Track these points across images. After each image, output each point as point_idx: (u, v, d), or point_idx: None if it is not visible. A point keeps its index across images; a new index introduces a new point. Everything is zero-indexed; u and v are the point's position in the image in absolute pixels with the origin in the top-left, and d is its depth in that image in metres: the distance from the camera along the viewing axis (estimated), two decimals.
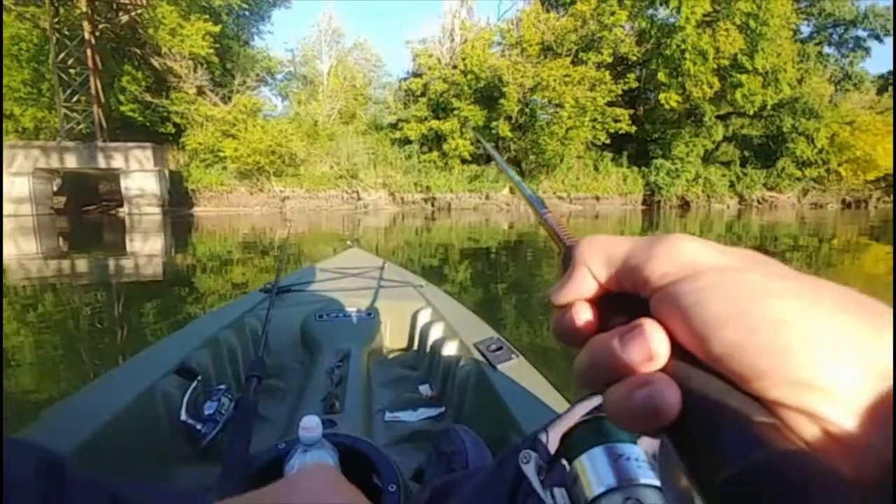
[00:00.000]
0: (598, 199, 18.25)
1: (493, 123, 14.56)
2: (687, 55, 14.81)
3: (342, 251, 2.69)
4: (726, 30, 14.81)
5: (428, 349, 1.48)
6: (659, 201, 19.02)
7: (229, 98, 14.68)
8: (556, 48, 14.95)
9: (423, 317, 1.64)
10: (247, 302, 1.68)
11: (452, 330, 1.42)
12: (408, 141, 16.43)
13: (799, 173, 21.33)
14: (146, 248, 7.98)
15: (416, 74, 16.64)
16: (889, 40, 19.59)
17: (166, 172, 13.26)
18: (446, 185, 15.74)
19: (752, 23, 14.90)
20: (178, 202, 14.14)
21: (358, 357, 1.41)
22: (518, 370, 1.09)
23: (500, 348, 1.19)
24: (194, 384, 1.02)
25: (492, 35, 15.18)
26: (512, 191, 17.81)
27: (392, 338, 1.70)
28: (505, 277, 5.68)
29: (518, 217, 15.80)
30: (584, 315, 0.17)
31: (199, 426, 0.96)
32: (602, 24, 14.36)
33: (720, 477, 0.11)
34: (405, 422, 1.19)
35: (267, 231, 11.48)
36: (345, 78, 18.47)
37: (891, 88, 26.51)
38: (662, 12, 15.08)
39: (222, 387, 1.09)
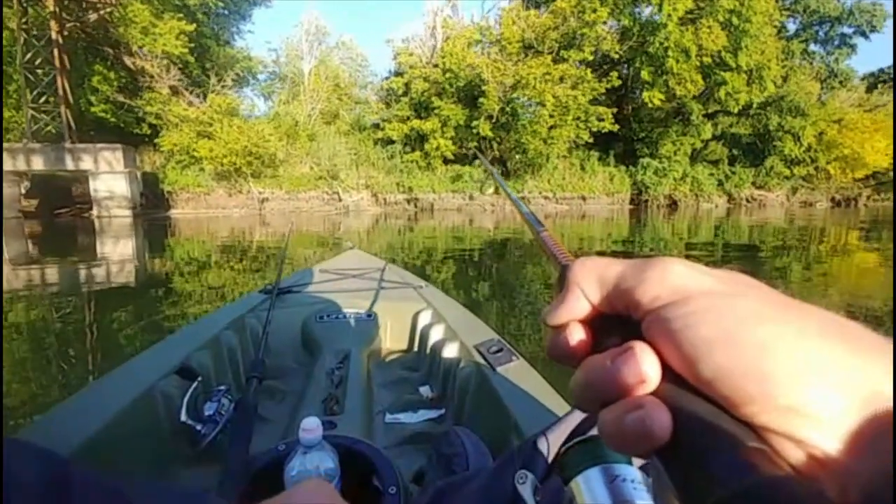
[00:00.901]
0: (584, 198, 18.42)
1: (475, 123, 14.67)
2: (670, 53, 15.00)
3: (342, 252, 2.73)
4: (709, 27, 15.03)
5: (428, 351, 1.51)
6: (646, 200, 19.22)
7: (207, 98, 14.86)
8: (537, 46, 15.12)
9: (424, 318, 1.67)
10: (247, 303, 1.71)
11: (453, 331, 1.45)
12: (390, 141, 16.50)
13: (787, 172, 21.77)
14: (116, 253, 7.90)
15: (398, 73, 16.76)
16: (875, 37, 20.14)
17: (138, 174, 13.22)
18: (429, 185, 15.81)
19: (734, 20, 15.11)
20: (153, 204, 14.17)
21: (358, 358, 1.45)
22: (518, 372, 1.11)
23: (500, 350, 1.22)
24: (194, 385, 1.03)
25: (473, 33, 15.31)
26: (497, 191, 18.09)
27: (392, 339, 1.73)
28: (491, 278, 5.74)
29: (503, 218, 15.97)
30: (577, 336, 0.17)
31: (199, 427, 0.97)
32: (583, 22, 14.52)
33: (711, 501, 0.12)
34: (405, 423, 1.22)
35: (246, 233, 11.58)
36: (327, 78, 18.59)
37: (880, 86, 27.34)
38: (647, 10, 15.30)
39: (222, 387, 1.11)
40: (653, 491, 0.17)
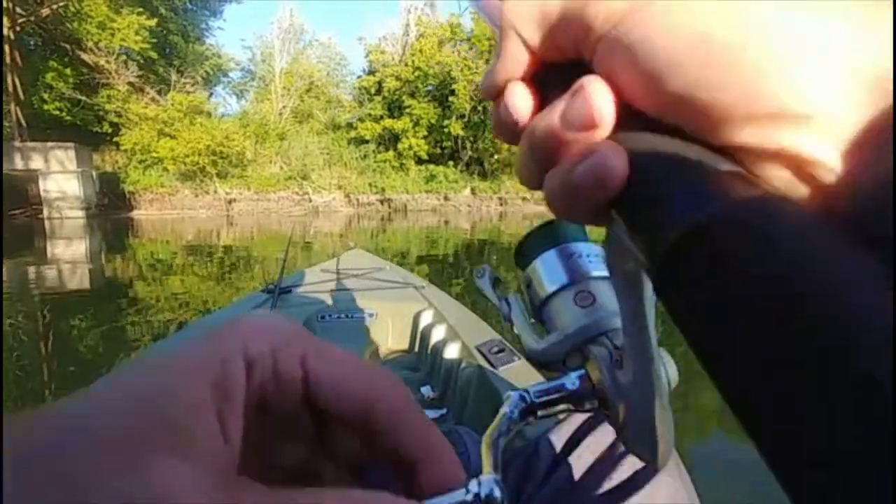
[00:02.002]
0: None
1: (446, 122, 14.79)
2: None
3: (344, 252, 2.76)
4: None
5: (429, 351, 1.54)
6: None
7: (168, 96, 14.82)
8: None
9: (425, 318, 1.70)
10: (247, 303, 1.76)
11: (454, 331, 1.48)
12: (364, 141, 16.50)
13: None
14: (67, 256, 7.68)
15: (371, 72, 16.83)
16: None
17: (94, 174, 12.98)
18: (402, 185, 15.87)
19: None
20: (115, 205, 14.02)
21: (360, 357, 1.64)
22: (521, 372, 1.14)
23: (502, 350, 1.25)
24: None
25: (444, 31, 15.38)
26: (473, 191, 18.47)
27: (394, 339, 1.77)
28: (468, 281, 5.58)
29: (480, 219, 16.30)
30: (519, 99, 0.14)
31: None
32: None
33: (672, 237, 0.10)
34: None
35: (212, 234, 11.57)
36: (300, 76, 18.75)
37: None
38: None
39: None
40: (610, 254, 0.16)
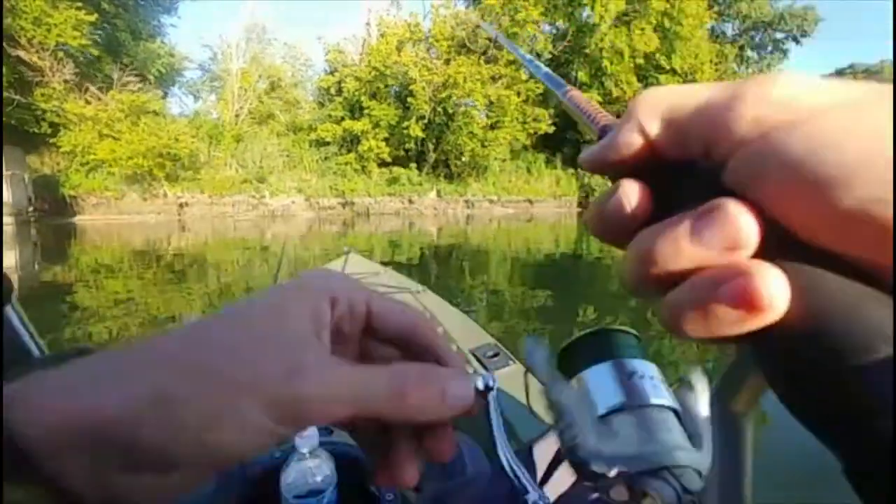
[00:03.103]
0: (531, 202, 18.95)
1: (405, 123, 14.78)
2: (604, 54, 15.73)
3: (339, 257, 2.82)
4: (641, 29, 15.83)
5: None
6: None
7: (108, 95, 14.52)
8: (469, 44, 15.40)
9: None
10: None
11: (449, 336, 1.49)
12: (326, 143, 16.37)
13: None
14: None
15: (331, 72, 16.78)
16: (806, 41, 21.67)
17: (26, 177, 12.73)
18: (364, 188, 15.84)
19: (666, 22, 16.02)
20: (54, 210, 13.68)
21: None
22: (515, 377, 1.15)
23: (496, 354, 1.28)
24: None
25: (404, 31, 15.45)
26: (439, 194, 18.82)
27: None
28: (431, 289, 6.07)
29: (447, 222, 16.57)
30: (634, 194, 0.13)
31: None
32: (514, 21, 14.91)
33: (872, 421, 0.09)
34: None
35: (162, 240, 11.48)
36: (260, 76, 18.67)
37: None
38: (583, 12, 15.86)
39: None
40: (724, 385, 0.14)
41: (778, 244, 0.11)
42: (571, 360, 0.24)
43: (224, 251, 9.85)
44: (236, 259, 8.32)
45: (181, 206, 14.65)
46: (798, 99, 0.11)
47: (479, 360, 1.29)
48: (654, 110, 0.14)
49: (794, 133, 0.11)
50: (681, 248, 0.12)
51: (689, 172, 0.13)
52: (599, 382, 0.22)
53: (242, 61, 18.56)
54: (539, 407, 1.05)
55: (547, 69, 0.27)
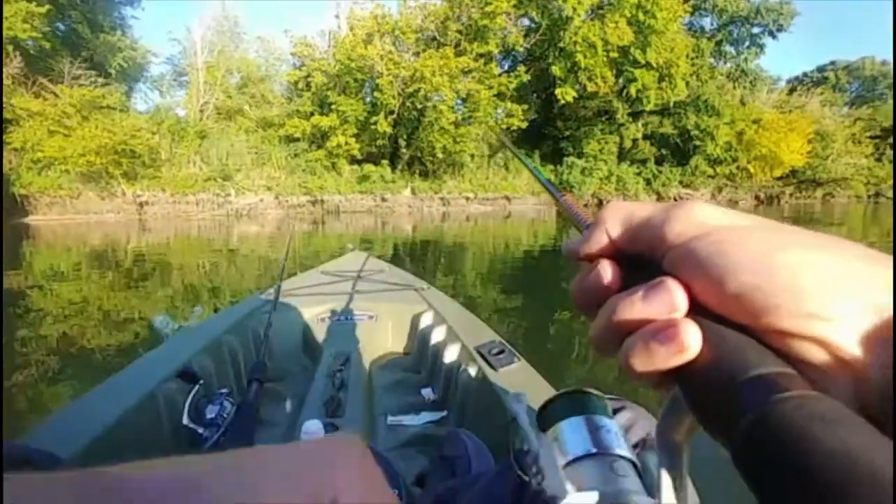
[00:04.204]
0: (508, 199, 19.12)
1: (374, 119, 14.77)
2: (578, 47, 15.91)
3: (344, 254, 2.89)
4: (615, 22, 16.01)
5: (430, 353, 1.60)
6: None
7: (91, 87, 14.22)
8: (439, 37, 15.59)
9: (425, 320, 1.78)
10: (248, 305, 1.83)
11: (454, 333, 1.54)
12: (295, 139, 16.33)
13: (711, 171, 23.23)
14: None
15: (299, 67, 16.83)
16: (783, 36, 22.52)
17: None
18: (334, 186, 15.74)
19: (640, 15, 16.26)
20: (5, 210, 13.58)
21: (360, 360, 1.57)
22: (520, 373, 1.20)
23: (501, 351, 1.30)
24: (196, 388, 1.11)
25: (372, 24, 15.41)
26: (413, 192, 18.92)
27: (394, 341, 1.85)
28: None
29: (422, 219, 16.66)
30: (608, 273, 0.20)
31: (200, 430, 1.05)
32: (484, 13, 15.06)
33: (744, 420, 0.14)
34: (407, 426, 1.29)
35: (121, 241, 11.34)
36: (227, 71, 18.63)
37: (800, 88, 31.39)
38: (557, 4, 15.92)
39: (224, 390, 1.18)
40: (665, 420, 0.19)
41: (697, 309, 0.17)
42: (549, 414, 0.29)
43: (187, 252, 9.75)
44: (200, 260, 8.30)
45: (141, 205, 14.48)
46: (708, 221, 0.18)
47: (483, 357, 1.30)
48: (616, 219, 0.20)
49: (703, 242, 0.17)
50: (636, 308, 0.17)
51: (640, 260, 0.19)
52: (572, 433, 0.27)
53: (210, 55, 18.48)
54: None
55: (547, 178, 0.35)
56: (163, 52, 20.36)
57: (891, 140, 32.02)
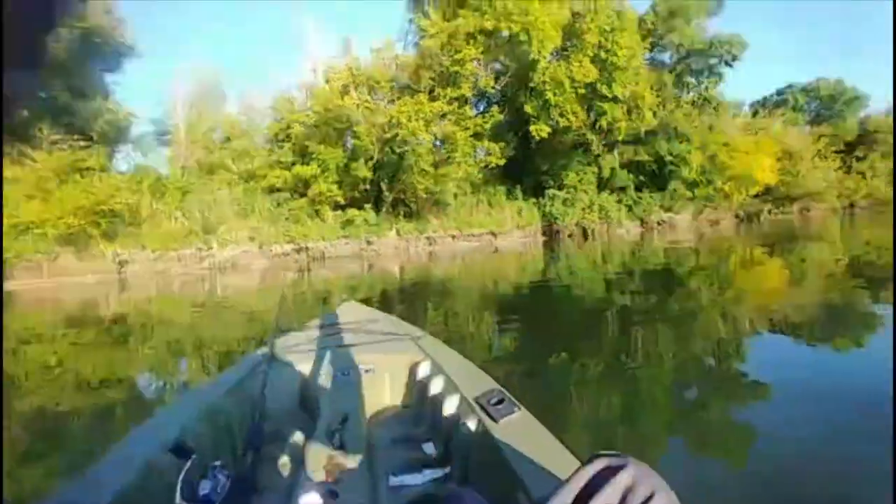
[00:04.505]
0: (494, 234, 19.41)
1: (353, 165, 15.24)
2: (547, 86, 16.87)
3: (339, 307, 2.90)
4: (579, 61, 17.11)
5: (429, 405, 1.58)
6: (557, 231, 20.68)
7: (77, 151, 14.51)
8: (413, 85, 16.35)
9: (423, 370, 1.77)
10: (244, 366, 1.81)
11: (452, 383, 1.52)
12: (278, 189, 16.68)
13: (689, 194, 24.29)
14: None
15: (279, 119, 17.44)
16: (738, 65, 23.31)
17: None
18: (318, 233, 15.89)
19: (602, 54, 17.38)
20: None
21: (359, 417, 1.55)
22: (520, 424, 1.19)
23: (501, 401, 1.28)
24: (189, 463, 1.09)
25: (347, 76, 16.23)
26: (399, 233, 19.11)
27: (392, 394, 1.83)
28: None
29: (409, 260, 16.72)
30: None
31: None
32: (454, 60, 15.98)
33: None
34: (410, 486, 1.26)
35: (102, 301, 11.21)
36: (212, 128, 19.16)
37: (761, 111, 33.26)
38: (523, 48, 16.77)
39: (218, 462, 1.16)
40: None
41: None
42: None
43: (168, 308, 9.68)
44: (182, 316, 8.21)
45: (121, 263, 14.38)
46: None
47: (483, 408, 1.27)
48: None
49: None
50: None
51: None
52: None
53: (191, 113, 19.08)
54: (547, 452, 1.06)
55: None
56: (146, 112, 20.87)
57: (856, 153, 33.71)
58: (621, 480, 0.51)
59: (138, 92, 20.43)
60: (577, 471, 0.53)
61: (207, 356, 4.86)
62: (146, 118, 19.71)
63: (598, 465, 0.51)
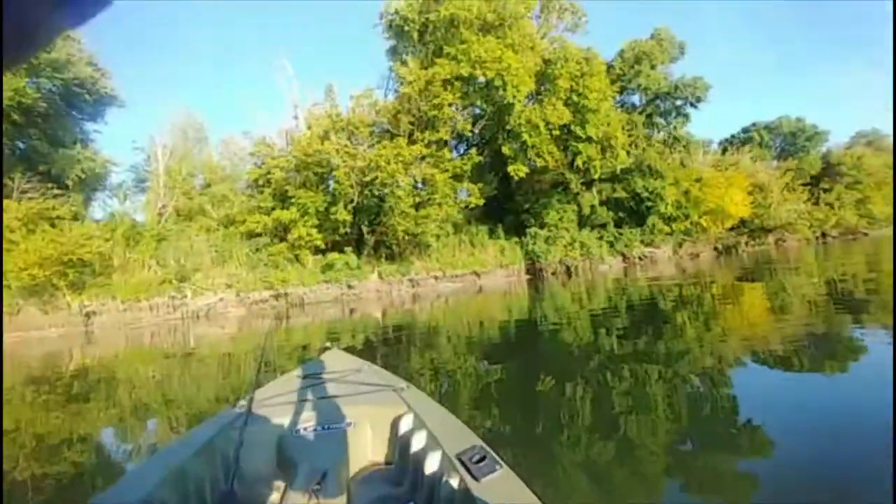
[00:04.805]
0: (478, 274, 19.46)
1: (333, 209, 15.27)
2: (523, 128, 17.43)
3: (321, 354, 2.78)
4: (553, 104, 17.84)
5: (411, 462, 1.55)
6: (541, 269, 20.79)
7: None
8: (392, 129, 16.75)
9: (405, 424, 1.72)
10: (218, 422, 1.72)
11: (435, 439, 1.49)
12: (257, 234, 16.55)
13: (668, 228, 24.39)
14: None
15: (259, 165, 17.55)
16: (704, 106, 24.73)
17: None
18: (297, 278, 15.65)
19: (574, 97, 18.21)
20: None
21: (337, 475, 1.51)
22: (502, 483, 1.17)
23: (483, 458, 1.27)
24: None
25: (327, 122, 16.48)
26: (381, 276, 19.01)
27: (374, 450, 1.77)
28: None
29: (391, 303, 16.56)
30: None
31: None
32: (432, 105, 16.42)
33: None
34: None
35: (65, 356, 10.68)
36: (187, 174, 19.28)
37: (730, 148, 35.10)
38: (500, 93, 17.54)
39: None
40: None
41: None
42: None
43: (137, 363, 9.23)
44: (151, 370, 7.84)
45: (88, 315, 13.84)
46: None
47: (465, 465, 1.25)
48: None
49: None
50: None
51: None
52: None
53: (172, 160, 19.16)
54: None
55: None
56: (127, 160, 20.94)
57: (822, 185, 35.45)
58: None
59: (121, 139, 20.47)
60: None
61: (176, 415, 4.61)
62: (127, 165, 19.70)
63: None
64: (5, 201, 13.53)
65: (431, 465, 1.42)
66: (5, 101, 13.80)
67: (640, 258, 24.03)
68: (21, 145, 16.52)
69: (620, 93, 23.71)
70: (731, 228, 27.03)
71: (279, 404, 1.90)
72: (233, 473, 1.33)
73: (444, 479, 1.30)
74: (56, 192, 15.35)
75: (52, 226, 13.96)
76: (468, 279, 19.52)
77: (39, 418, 4.83)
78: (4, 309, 13.09)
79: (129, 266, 15.10)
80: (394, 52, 20.02)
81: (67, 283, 13.35)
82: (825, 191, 35.24)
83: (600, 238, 22.83)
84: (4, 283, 12.80)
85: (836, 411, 3.00)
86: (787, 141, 36.36)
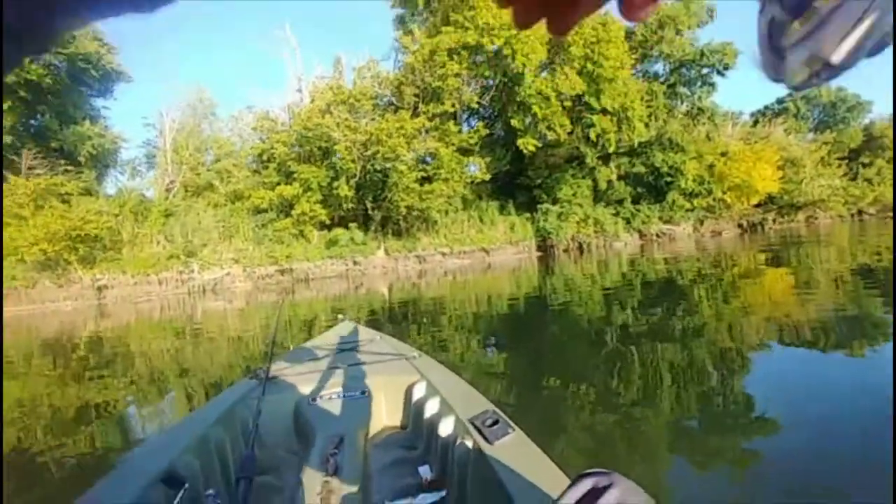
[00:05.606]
0: (486, 251, 19.36)
1: (335, 184, 15.28)
2: (532, 100, 16.90)
3: (335, 325, 2.87)
4: (565, 74, 17.18)
5: (425, 427, 1.60)
6: (552, 246, 20.58)
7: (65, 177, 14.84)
8: (396, 102, 16.60)
9: (418, 391, 1.78)
10: (236, 392, 1.80)
11: (448, 405, 1.53)
12: (263, 210, 16.74)
13: (688, 204, 23.51)
14: None
15: (262, 140, 17.62)
16: (731, 74, 23.36)
17: None
18: (302, 253, 15.83)
19: (589, 66, 17.45)
20: None
21: (353, 441, 1.55)
22: (515, 446, 1.20)
23: (496, 422, 1.30)
24: (181, 494, 1.09)
25: (329, 95, 16.27)
26: (387, 252, 19.19)
27: (388, 416, 1.84)
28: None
29: (398, 279, 16.69)
30: None
31: None
32: (437, 76, 16.10)
33: None
34: None
35: (77, 329, 11.17)
36: (196, 149, 19.57)
37: (761, 120, 33.54)
38: (509, 63, 16.91)
39: (211, 492, 1.18)
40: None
41: None
42: None
43: (149, 335, 9.62)
44: (162, 342, 8.16)
45: (100, 289, 14.45)
46: None
47: (478, 429, 1.29)
48: None
49: None
50: None
51: None
52: None
53: (180, 136, 19.48)
54: (542, 473, 1.09)
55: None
56: (138, 137, 21.41)
57: (861, 160, 33.73)
58: (608, 500, 0.52)
59: (131, 116, 20.88)
60: (564, 492, 0.54)
61: (192, 385, 4.79)
62: (139, 141, 20.11)
63: (585, 485, 0.52)
64: (13, 178, 14.02)
65: (445, 429, 1.47)
66: (11, 78, 14.15)
67: (657, 235, 23.50)
68: (34, 122, 17.03)
69: (641, 61, 22.64)
70: (758, 205, 25.96)
71: (295, 374, 1.97)
72: (252, 440, 1.36)
73: (458, 442, 1.33)
74: (68, 168, 15.80)
75: (63, 202, 14.44)
76: (477, 256, 19.44)
77: (54, 389, 4.98)
78: (19, 282, 13.76)
79: (138, 241, 15.56)
80: (401, 21, 19.60)
81: (78, 257, 13.87)
82: (865, 165, 33.43)
83: (616, 214, 22.30)
84: (17, 257, 13.41)
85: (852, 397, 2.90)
86: (826, 112, 34.42)
